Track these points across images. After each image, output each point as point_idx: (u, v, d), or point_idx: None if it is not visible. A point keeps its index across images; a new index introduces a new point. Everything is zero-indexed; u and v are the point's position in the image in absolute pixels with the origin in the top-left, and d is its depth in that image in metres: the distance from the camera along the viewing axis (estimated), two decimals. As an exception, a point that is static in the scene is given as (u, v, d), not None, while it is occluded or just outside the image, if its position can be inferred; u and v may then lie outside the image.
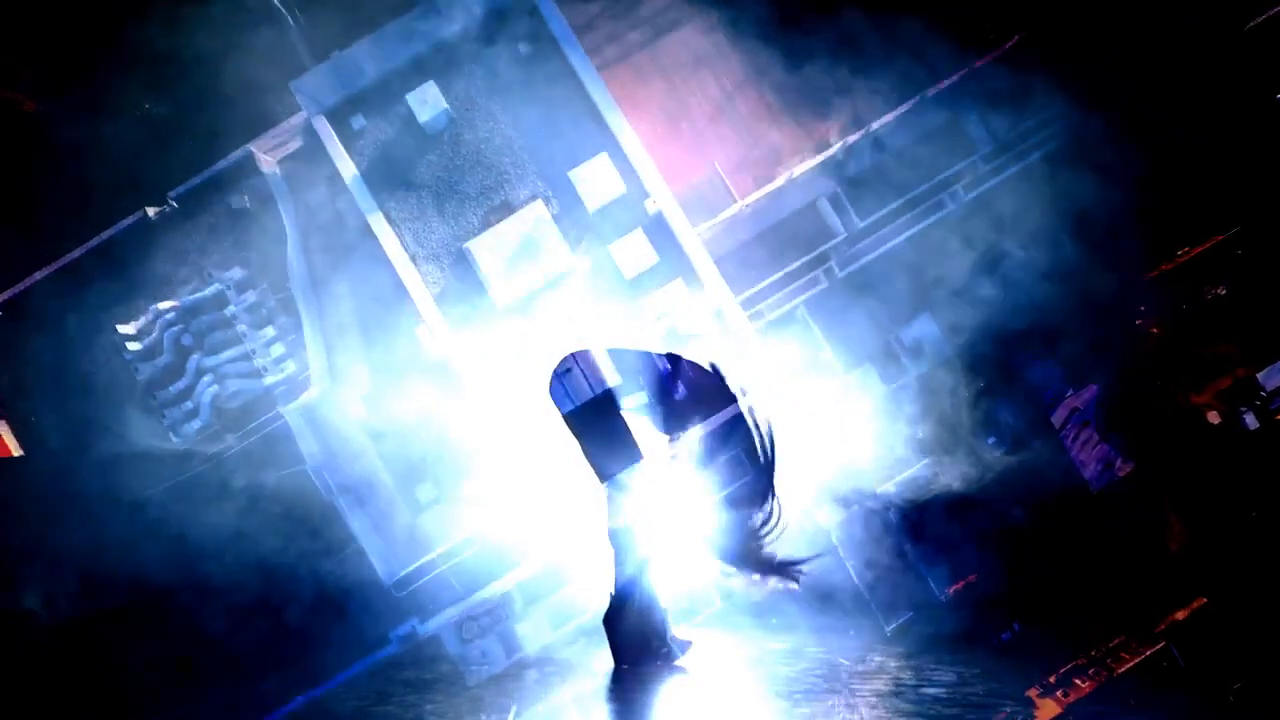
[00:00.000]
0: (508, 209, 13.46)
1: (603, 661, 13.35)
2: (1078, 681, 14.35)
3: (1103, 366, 15.63)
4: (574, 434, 12.95)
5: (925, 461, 15.32)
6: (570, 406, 12.82)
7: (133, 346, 14.84)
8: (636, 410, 13.06)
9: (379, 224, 13.53)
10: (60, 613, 15.36)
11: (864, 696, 13.16)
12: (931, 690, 13.73)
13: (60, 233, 16.01)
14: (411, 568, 14.48)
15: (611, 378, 12.75)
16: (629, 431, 12.87)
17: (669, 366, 13.04)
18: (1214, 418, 15.46)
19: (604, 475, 12.90)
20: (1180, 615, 14.88)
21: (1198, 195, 15.75)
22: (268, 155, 15.12)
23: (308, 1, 16.23)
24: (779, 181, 15.26)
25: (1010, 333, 15.58)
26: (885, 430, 15.38)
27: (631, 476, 12.94)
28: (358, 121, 13.64)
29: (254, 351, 14.84)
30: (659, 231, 13.29)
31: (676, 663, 13.09)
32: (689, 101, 15.92)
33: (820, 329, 15.73)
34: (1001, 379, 15.73)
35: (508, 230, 13.22)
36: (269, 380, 14.90)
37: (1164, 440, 15.46)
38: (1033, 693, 14.50)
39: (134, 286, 15.48)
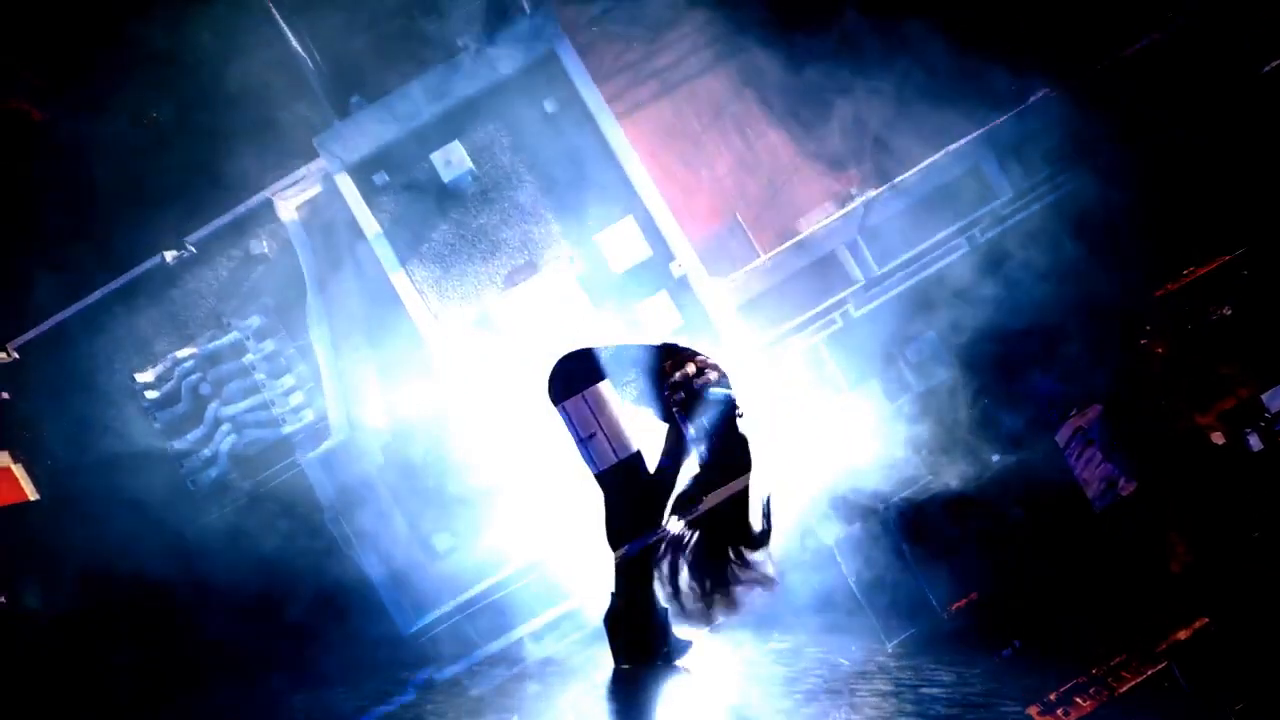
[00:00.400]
0: (532, 269, 13.42)
1: (604, 662, 13.44)
2: (1079, 700, 14.40)
3: (1107, 385, 15.66)
4: (574, 437, 13.00)
5: (928, 477, 15.40)
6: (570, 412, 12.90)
7: (150, 395, 14.79)
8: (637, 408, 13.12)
9: (401, 282, 13.48)
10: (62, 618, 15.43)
11: (864, 696, 13.25)
12: (931, 690, 13.82)
13: (78, 271, 15.95)
14: (428, 619, 14.54)
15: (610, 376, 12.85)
16: (630, 433, 12.97)
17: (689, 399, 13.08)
18: (1218, 438, 15.45)
19: (605, 478, 13.03)
20: (1182, 635, 14.88)
21: (1205, 215, 15.76)
22: (287, 202, 15.03)
23: (326, 41, 16.05)
24: (801, 235, 15.23)
25: (1016, 353, 15.65)
26: (888, 444, 15.46)
27: (633, 479, 13.07)
28: (380, 178, 13.54)
29: (272, 401, 14.81)
30: (683, 293, 13.27)
31: (677, 663, 13.20)
32: (710, 149, 15.85)
33: (830, 354, 15.80)
34: (1006, 396, 15.79)
35: (532, 290, 13.18)
36: (287, 429, 14.88)
37: (1168, 460, 15.49)
38: (1033, 710, 14.58)
39: (151, 331, 15.43)
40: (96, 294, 15.44)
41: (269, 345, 14.88)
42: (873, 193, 15.52)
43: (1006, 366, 15.65)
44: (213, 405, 14.84)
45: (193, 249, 15.32)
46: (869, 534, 15.06)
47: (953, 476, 15.24)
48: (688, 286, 13.19)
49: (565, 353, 13.14)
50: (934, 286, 16.10)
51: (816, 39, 16.17)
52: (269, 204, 15.13)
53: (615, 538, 13.12)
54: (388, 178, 13.53)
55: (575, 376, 12.95)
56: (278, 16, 15.69)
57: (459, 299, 13.70)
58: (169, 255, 15.25)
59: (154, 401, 14.81)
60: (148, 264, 15.35)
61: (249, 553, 15.32)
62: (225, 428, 14.79)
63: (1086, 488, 15.46)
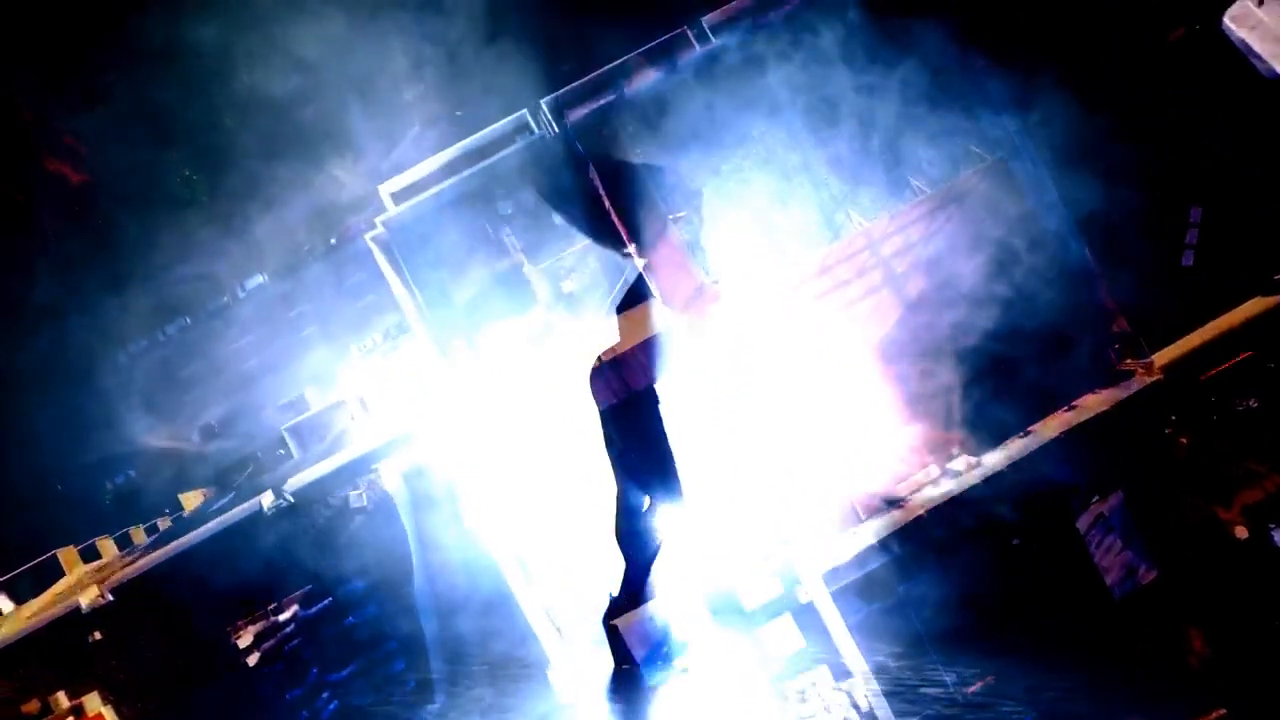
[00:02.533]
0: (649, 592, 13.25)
1: (604, 661, 13.64)
2: (1096, 789, 14.46)
3: (1130, 473, 15.32)
4: (604, 432, 13.26)
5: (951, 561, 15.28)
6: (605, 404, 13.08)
7: (250, 660, 14.62)
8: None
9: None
10: None
11: (864, 696, 13.46)
12: (931, 690, 14.02)
13: (174, 516, 15.69)
14: None
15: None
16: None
17: None
18: (1241, 533, 15.25)
19: (620, 476, 13.18)
20: (1200, 727, 14.97)
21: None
22: (390, 465, 14.73)
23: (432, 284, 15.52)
24: (903, 511, 15.04)
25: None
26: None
27: (644, 482, 13.28)
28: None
29: (375, 667, 14.68)
30: (807, 617, 13.10)
31: (677, 663, 13.38)
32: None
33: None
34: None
35: (655, 617, 13.04)
36: (389, 696, 14.78)
37: (1187, 552, 15.28)
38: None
39: (248, 580, 15.17)
40: (192, 538, 15.16)
41: (370, 609, 14.68)
42: (977, 463, 15.22)
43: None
44: (314, 670, 14.69)
45: (290, 499, 15.02)
46: (889, 631, 14.94)
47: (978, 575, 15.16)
48: (814, 612, 13.00)
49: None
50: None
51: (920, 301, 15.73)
52: (370, 461, 14.83)
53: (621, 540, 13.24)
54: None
55: None
56: (379, 256, 15.19)
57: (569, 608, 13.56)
58: (266, 503, 14.95)
59: (253, 665, 14.64)
60: (246, 510, 15.06)
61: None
62: (326, 694, 14.66)
63: (1106, 574, 15.26)
